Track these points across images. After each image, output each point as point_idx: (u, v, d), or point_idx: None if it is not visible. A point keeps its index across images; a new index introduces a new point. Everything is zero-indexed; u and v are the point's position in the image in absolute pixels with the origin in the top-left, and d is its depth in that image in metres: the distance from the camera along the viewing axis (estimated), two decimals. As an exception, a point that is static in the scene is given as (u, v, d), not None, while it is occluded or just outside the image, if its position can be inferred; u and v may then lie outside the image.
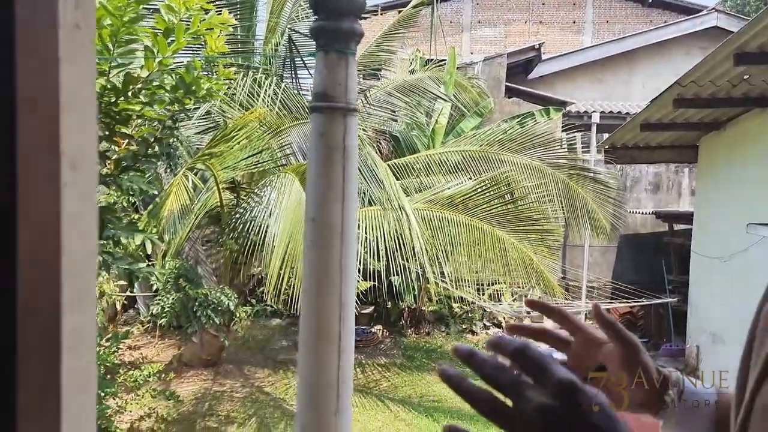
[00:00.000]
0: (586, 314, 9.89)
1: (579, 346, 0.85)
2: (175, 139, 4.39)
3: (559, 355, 0.82)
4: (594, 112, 9.81)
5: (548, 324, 0.91)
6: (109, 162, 3.38)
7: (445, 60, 9.54)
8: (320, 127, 1.51)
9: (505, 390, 0.60)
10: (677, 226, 9.47)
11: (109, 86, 3.10)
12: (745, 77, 5.21)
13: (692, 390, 0.80)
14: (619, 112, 11.25)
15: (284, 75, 6.79)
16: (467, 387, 0.60)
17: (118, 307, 8.06)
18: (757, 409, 0.61)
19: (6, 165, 0.44)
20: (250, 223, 5.82)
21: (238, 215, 6.32)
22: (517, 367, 0.61)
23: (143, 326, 8.30)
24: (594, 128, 9.49)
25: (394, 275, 8.03)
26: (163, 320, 5.73)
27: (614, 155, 7.67)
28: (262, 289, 8.80)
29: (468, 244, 6.84)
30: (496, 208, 6.99)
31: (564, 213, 7.83)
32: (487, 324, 9.68)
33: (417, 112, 8.60)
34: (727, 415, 0.71)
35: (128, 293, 7.84)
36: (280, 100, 5.80)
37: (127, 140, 3.46)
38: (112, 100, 3.14)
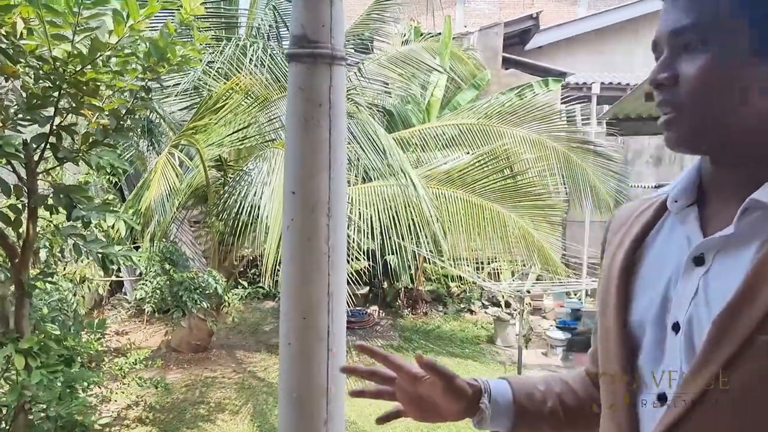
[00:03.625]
0: (587, 292, 9.71)
1: (402, 380, 1.07)
2: (151, 112, 4.11)
3: None
4: (594, 83, 9.49)
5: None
6: (76, 137, 3.09)
7: (439, 33, 9.20)
8: (300, 79, 1.22)
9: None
10: (679, 200, 9.21)
11: (74, 53, 2.80)
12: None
13: (496, 389, 1.07)
14: (620, 83, 10.93)
15: (269, 42, 6.44)
16: None
17: (102, 292, 7.78)
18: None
19: None
20: (239, 202, 5.54)
21: (226, 194, 6.04)
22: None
23: (130, 311, 8.07)
24: (594, 99, 9.18)
25: (389, 254, 7.79)
26: (148, 305, 5.47)
27: (617, 127, 7.38)
28: (253, 270, 8.56)
29: (466, 220, 6.60)
30: (495, 183, 6.74)
31: (565, 187, 7.58)
32: (486, 303, 9.48)
33: (411, 84, 8.28)
34: (522, 395, 1.07)
35: (114, 277, 7.58)
36: (267, 68, 5.47)
37: (96, 113, 3.16)
38: (78, 68, 2.84)
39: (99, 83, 2.98)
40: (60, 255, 4.56)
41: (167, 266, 5.42)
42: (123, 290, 8.79)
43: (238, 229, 5.65)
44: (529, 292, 7.77)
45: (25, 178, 2.90)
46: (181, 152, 6.16)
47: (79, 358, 4.15)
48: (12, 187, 2.82)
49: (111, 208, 3.02)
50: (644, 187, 9.86)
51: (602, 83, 10.05)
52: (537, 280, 8.00)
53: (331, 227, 1.24)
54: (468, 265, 7.29)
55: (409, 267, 8.64)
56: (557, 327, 8.17)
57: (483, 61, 9.99)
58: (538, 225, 6.69)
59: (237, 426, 5.52)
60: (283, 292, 1.29)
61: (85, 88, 2.90)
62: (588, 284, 8.61)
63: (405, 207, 5.91)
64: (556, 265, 6.47)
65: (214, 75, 5.83)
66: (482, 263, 7.30)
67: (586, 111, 9.21)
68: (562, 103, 9.37)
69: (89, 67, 2.82)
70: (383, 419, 1.12)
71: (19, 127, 2.89)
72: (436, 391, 1.04)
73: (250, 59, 5.38)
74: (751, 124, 0.79)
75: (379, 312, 9.10)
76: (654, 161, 10.32)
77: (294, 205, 1.23)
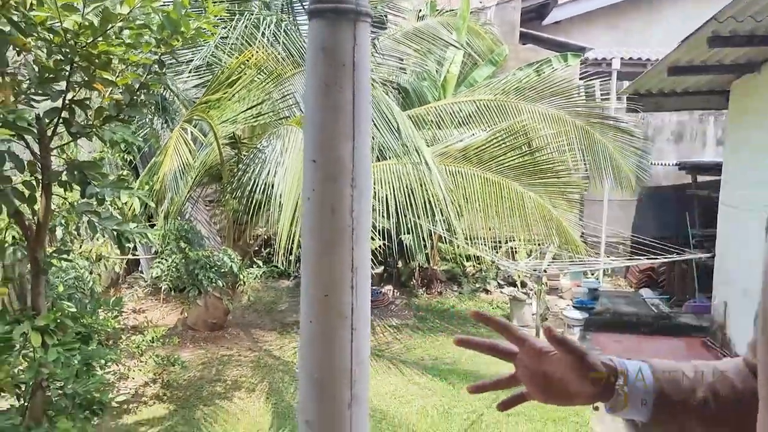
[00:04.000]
0: (604, 271, 9.58)
1: (524, 355, 0.96)
2: (164, 87, 4.04)
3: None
4: (614, 58, 9.26)
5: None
6: (90, 111, 3.03)
7: (454, 9, 9.01)
8: (322, 38, 1.14)
9: None
10: (701, 178, 9.03)
11: (85, 24, 2.72)
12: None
13: (634, 372, 0.93)
14: (639, 58, 10.67)
15: (283, 16, 6.32)
16: None
17: (119, 270, 7.80)
18: None
19: None
20: (253, 180, 5.48)
21: (240, 172, 5.98)
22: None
23: (146, 289, 8.09)
24: (615, 75, 8.97)
25: (404, 233, 7.72)
26: (164, 283, 5.46)
27: (638, 102, 7.19)
28: (268, 249, 8.54)
29: (482, 198, 6.50)
30: (513, 160, 6.61)
31: (585, 164, 7.44)
32: (502, 283, 9.41)
33: (427, 60, 8.12)
34: (666, 380, 0.92)
35: (131, 255, 7.59)
36: (282, 44, 5.35)
37: (110, 88, 3.09)
38: (89, 41, 2.77)
39: (111, 56, 2.90)
40: (76, 233, 4.54)
41: (183, 244, 5.40)
42: (139, 268, 8.82)
43: (253, 207, 5.60)
44: (545, 271, 7.69)
45: (39, 153, 2.85)
46: (195, 128, 6.10)
47: (96, 335, 4.14)
48: (26, 163, 2.78)
49: (125, 185, 2.97)
50: (665, 165, 9.66)
51: (622, 58, 9.82)
52: (554, 259, 7.90)
53: (356, 198, 1.17)
54: (484, 245, 7.20)
55: (424, 246, 8.57)
56: (574, 307, 8.09)
57: (500, 36, 9.79)
58: (556, 203, 6.57)
59: (253, 403, 5.52)
60: (304, 268, 1.22)
61: (97, 61, 2.83)
62: (606, 263, 8.49)
63: (420, 185, 5.82)
64: (576, 243, 6.35)
65: (228, 51, 5.74)
66: (499, 242, 7.21)
67: (605, 87, 9.01)
68: (580, 79, 9.18)
69: (101, 39, 2.75)
70: (506, 405, 1.02)
71: (32, 102, 2.83)
72: (565, 368, 0.93)
73: (263, 33, 5.26)
74: None
75: (393, 291, 9.06)
76: (675, 138, 10.09)
77: (315, 174, 1.15)
